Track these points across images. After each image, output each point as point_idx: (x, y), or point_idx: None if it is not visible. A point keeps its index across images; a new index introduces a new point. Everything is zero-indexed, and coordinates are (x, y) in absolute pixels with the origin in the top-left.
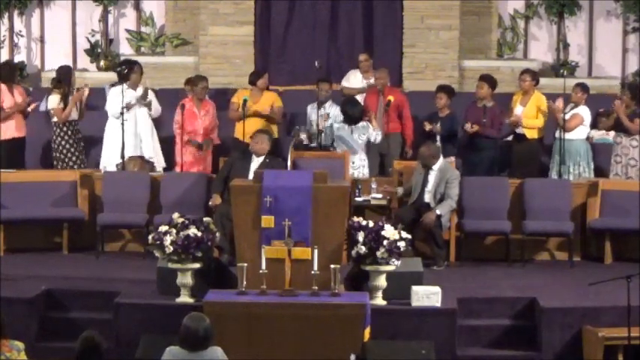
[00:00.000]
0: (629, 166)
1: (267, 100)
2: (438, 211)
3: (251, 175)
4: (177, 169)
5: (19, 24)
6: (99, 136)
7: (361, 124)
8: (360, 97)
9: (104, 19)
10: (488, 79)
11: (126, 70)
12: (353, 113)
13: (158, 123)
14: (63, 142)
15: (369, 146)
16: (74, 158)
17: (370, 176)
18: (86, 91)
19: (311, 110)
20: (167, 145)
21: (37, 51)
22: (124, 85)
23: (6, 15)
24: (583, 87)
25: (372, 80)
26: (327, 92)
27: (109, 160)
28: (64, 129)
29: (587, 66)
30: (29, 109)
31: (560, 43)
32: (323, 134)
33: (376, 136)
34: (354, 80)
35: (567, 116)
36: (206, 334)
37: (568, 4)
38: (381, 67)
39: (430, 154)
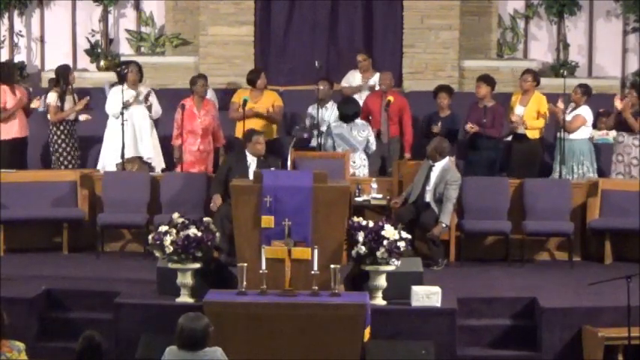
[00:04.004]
0: (631, 165)
1: (267, 99)
2: (444, 224)
3: (251, 175)
4: (178, 169)
5: (19, 24)
6: (98, 136)
7: (360, 122)
8: (358, 97)
9: (104, 19)
10: (486, 79)
11: (125, 71)
12: (346, 111)
13: (158, 123)
14: (59, 142)
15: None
16: (69, 157)
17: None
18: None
19: (312, 110)
20: (167, 145)
21: (37, 51)
22: (124, 85)
23: (6, 15)
24: (584, 88)
25: (371, 80)
26: (327, 91)
27: (109, 160)
28: (61, 128)
29: (587, 66)
30: (32, 105)
31: (560, 43)
32: (322, 135)
33: (372, 143)
34: (353, 80)
35: (569, 117)
36: (201, 334)
37: (568, 4)
38: (384, 70)
39: (434, 148)
